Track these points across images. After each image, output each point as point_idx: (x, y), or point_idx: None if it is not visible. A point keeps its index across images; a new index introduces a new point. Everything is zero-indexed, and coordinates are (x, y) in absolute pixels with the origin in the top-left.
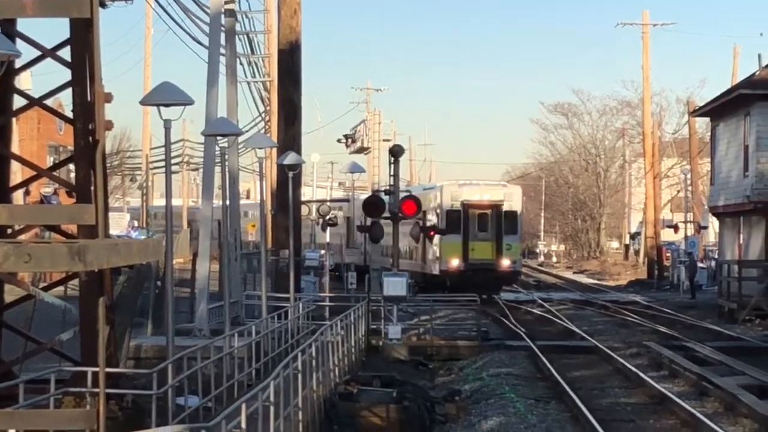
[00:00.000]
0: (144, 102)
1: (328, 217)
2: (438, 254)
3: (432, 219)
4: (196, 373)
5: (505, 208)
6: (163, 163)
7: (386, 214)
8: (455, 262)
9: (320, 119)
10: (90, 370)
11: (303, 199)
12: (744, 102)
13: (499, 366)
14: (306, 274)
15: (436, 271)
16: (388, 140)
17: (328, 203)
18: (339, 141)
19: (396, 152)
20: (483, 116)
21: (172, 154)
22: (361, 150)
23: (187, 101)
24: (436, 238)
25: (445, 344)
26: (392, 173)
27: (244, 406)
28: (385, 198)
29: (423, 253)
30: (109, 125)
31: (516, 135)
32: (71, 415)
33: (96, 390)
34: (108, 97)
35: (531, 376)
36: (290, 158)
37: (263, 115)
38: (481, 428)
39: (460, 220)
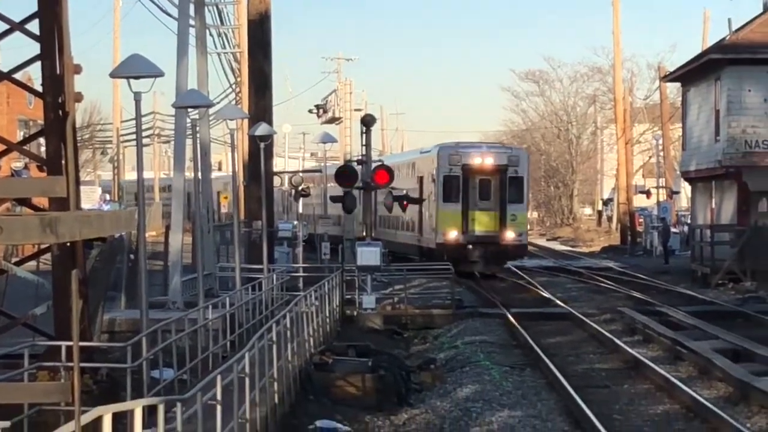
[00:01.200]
0: (114, 74)
1: (300, 188)
2: (434, 225)
3: (429, 186)
4: (171, 346)
5: (510, 173)
6: (134, 136)
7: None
8: (453, 234)
9: (291, 90)
10: (64, 344)
11: (275, 169)
12: (714, 66)
13: (474, 334)
14: (279, 245)
15: (432, 244)
16: (359, 110)
17: (301, 174)
18: (310, 111)
19: (368, 122)
20: (455, 85)
21: (143, 127)
22: (333, 120)
23: (157, 73)
24: (432, 207)
25: (419, 313)
26: (364, 143)
27: (219, 378)
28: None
29: (420, 224)
30: (78, 97)
31: (488, 103)
32: (46, 388)
33: (70, 364)
34: (77, 69)
35: (506, 344)
36: (261, 129)
37: (234, 86)
38: (457, 396)
39: (459, 187)
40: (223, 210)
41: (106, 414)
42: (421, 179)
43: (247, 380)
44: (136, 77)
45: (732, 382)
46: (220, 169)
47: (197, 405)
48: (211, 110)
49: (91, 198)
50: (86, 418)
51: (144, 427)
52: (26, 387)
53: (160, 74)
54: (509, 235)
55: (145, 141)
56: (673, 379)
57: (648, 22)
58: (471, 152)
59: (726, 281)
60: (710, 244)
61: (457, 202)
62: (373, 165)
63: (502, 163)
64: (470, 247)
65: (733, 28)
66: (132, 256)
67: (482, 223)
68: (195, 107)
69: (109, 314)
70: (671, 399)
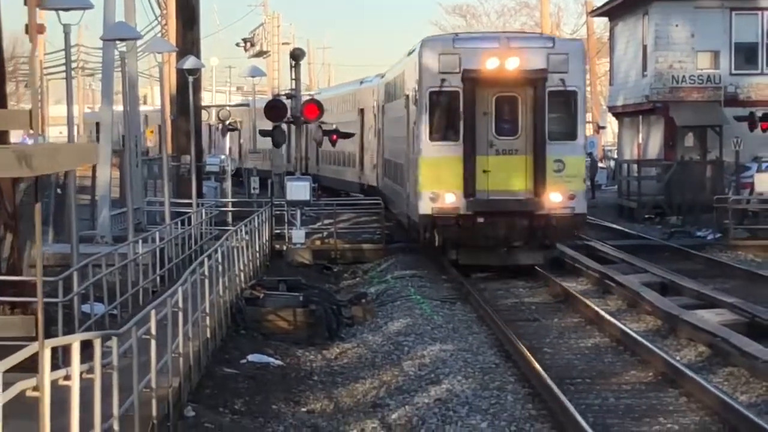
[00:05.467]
0: (44, 6)
1: (228, 122)
2: (418, 182)
3: (412, 110)
4: (101, 281)
5: (553, 85)
6: (57, 69)
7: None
8: (449, 199)
9: (218, 23)
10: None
11: (202, 104)
12: (642, 1)
13: (404, 268)
14: (207, 179)
15: (414, 214)
16: (287, 44)
17: (229, 108)
18: (238, 45)
19: (297, 56)
20: (382, 19)
21: (68, 61)
22: (261, 54)
23: (86, 5)
24: (415, 149)
25: (349, 248)
26: (293, 77)
27: (153, 312)
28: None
29: (406, 176)
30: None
31: (415, 38)
32: (10, 321)
33: (5, 299)
34: None
35: (436, 278)
36: (190, 62)
37: (159, 19)
38: (388, 330)
39: (457, 113)
40: (149, 144)
41: (46, 348)
42: (407, 99)
43: (180, 314)
44: (66, 9)
45: (661, 315)
46: (145, 102)
47: (132, 339)
48: (140, 43)
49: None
50: (25, 353)
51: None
52: None
53: (90, 6)
54: (552, 198)
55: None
56: (602, 313)
57: None
58: (479, 48)
59: (652, 216)
60: (637, 179)
61: (455, 140)
62: (303, 98)
63: (536, 67)
64: (480, 220)
65: None
66: (59, 191)
67: (502, 177)
68: (124, 40)
69: None
70: (601, 332)
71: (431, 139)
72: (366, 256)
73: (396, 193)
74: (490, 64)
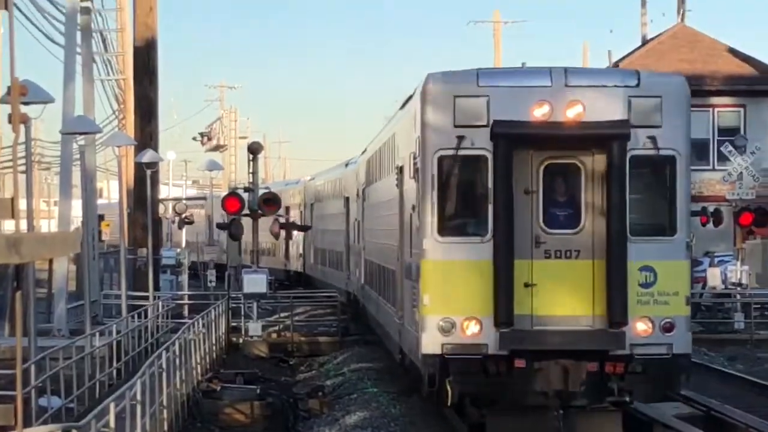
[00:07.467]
0: (4, 101)
1: (184, 215)
2: (420, 301)
3: (409, 188)
4: (58, 374)
5: (638, 147)
6: (11, 164)
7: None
8: (472, 329)
9: (176, 116)
10: None
11: (159, 197)
12: None
13: (360, 361)
14: (163, 272)
15: (413, 352)
16: (244, 138)
17: (185, 201)
18: (194, 139)
19: (255, 149)
20: (339, 115)
21: (22, 154)
22: (217, 147)
23: (47, 99)
24: (413, 251)
25: (305, 340)
26: (251, 170)
27: (112, 405)
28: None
29: (397, 291)
30: None
31: (373, 133)
32: None
33: None
34: None
35: (392, 370)
36: (148, 156)
37: (117, 113)
38: (346, 423)
39: (483, 190)
40: (104, 237)
41: None
42: (400, 174)
43: (138, 407)
44: (26, 103)
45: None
46: (101, 196)
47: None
48: (100, 137)
49: None
50: None
51: None
52: None
53: (51, 100)
54: (637, 329)
55: (23, 168)
56: None
57: (530, 54)
58: (520, 89)
59: None
60: None
61: (481, 234)
62: (260, 192)
63: (611, 118)
64: (521, 364)
65: (613, 60)
66: (15, 284)
67: (555, 294)
68: (83, 133)
69: None
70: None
71: (442, 233)
72: (322, 348)
73: (382, 311)
74: (536, 114)
